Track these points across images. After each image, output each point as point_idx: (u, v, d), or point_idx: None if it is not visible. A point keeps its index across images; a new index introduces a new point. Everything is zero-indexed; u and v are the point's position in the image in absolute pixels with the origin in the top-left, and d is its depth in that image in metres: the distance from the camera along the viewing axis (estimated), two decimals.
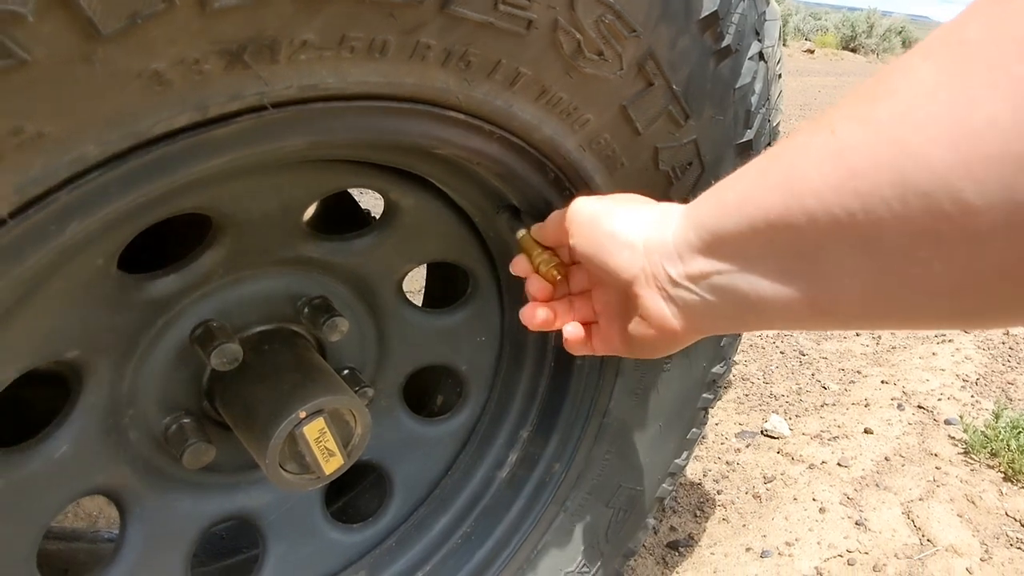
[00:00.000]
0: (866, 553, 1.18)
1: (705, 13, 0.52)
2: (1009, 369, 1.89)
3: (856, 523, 1.26)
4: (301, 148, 0.44)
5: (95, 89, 0.30)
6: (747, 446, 1.57)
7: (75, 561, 0.65)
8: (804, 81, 10.03)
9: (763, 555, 1.18)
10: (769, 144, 0.72)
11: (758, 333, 2.24)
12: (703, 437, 1.62)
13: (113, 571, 0.60)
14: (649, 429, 0.84)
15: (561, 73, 0.49)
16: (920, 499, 1.33)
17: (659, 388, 0.81)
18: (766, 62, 0.66)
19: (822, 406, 1.75)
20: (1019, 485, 1.36)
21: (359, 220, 0.80)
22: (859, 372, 1.93)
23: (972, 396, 1.73)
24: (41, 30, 0.27)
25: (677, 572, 1.16)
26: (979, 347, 2.04)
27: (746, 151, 0.66)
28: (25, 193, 0.31)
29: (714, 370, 0.85)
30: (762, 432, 1.62)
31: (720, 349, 0.84)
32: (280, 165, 0.54)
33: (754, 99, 0.64)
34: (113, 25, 0.29)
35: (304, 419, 0.57)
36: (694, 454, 1.53)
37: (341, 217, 0.83)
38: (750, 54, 0.62)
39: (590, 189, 0.59)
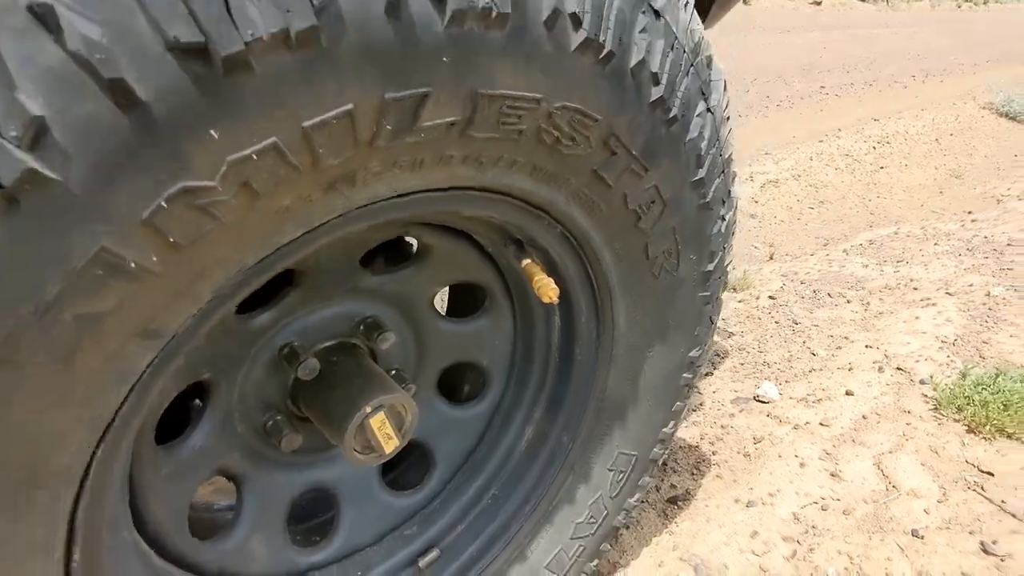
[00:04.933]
0: (838, 500, 1.37)
1: (654, 98, 0.70)
2: (986, 329, 2.04)
3: (831, 475, 1.45)
4: (365, 229, 0.63)
5: (252, 225, 0.49)
6: (740, 411, 1.76)
7: (201, 527, 0.85)
8: (808, 38, 9.90)
9: (748, 505, 1.37)
10: (722, 173, 0.89)
11: (755, 305, 2.41)
12: (700, 404, 1.81)
13: (235, 532, 0.80)
14: (640, 405, 1.02)
15: (546, 156, 0.66)
16: (890, 452, 1.51)
17: (646, 371, 1.00)
18: (713, 113, 0.83)
19: (810, 371, 1.92)
20: (981, 436, 1.54)
21: (401, 252, 0.98)
22: (847, 338, 2.10)
23: (948, 356, 1.90)
24: (230, 203, 0.46)
25: (675, 523, 1.36)
26: (961, 309, 2.19)
27: (700, 186, 0.83)
28: (217, 288, 0.50)
29: (691, 354, 1.03)
30: (755, 398, 1.81)
31: (695, 337, 1.02)
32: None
33: (703, 144, 0.81)
34: (267, 189, 0.47)
35: (369, 413, 0.76)
36: (693, 420, 1.73)
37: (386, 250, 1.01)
38: (697, 112, 0.79)
39: (576, 227, 0.78)
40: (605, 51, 0.61)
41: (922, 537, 1.26)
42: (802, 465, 1.48)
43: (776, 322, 2.26)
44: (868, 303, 2.33)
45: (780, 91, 5.95)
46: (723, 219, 0.93)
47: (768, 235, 3.23)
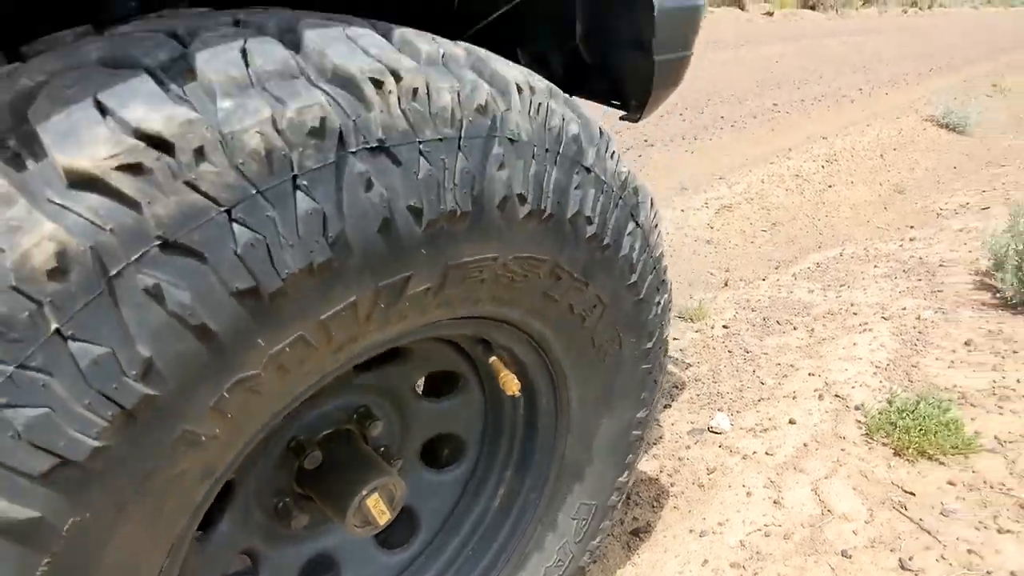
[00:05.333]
0: (779, 526, 1.55)
1: (589, 235, 0.86)
2: (915, 353, 2.25)
3: (774, 502, 1.63)
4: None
5: (282, 390, 0.64)
6: (696, 442, 1.93)
7: None
8: (760, 53, 10.26)
9: (701, 534, 1.54)
10: (654, 270, 1.06)
11: (711, 335, 2.59)
12: (660, 437, 1.98)
13: None
14: (595, 462, 1.18)
15: (505, 289, 0.82)
16: (826, 477, 1.69)
17: (599, 434, 1.16)
18: (642, 227, 1.00)
19: (759, 401, 2.11)
20: (905, 458, 1.73)
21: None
22: (792, 366, 2.29)
23: (880, 381, 2.10)
24: (269, 381, 0.61)
25: (637, 554, 1.53)
26: (894, 334, 2.40)
27: (634, 287, 1.00)
28: (254, 435, 0.65)
29: (638, 415, 1.20)
30: (709, 429, 1.98)
31: (641, 400, 1.19)
32: None
33: (635, 255, 0.98)
34: (294, 365, 0.62)
35: (366, 495, 0.91)
36: (654, 453, 1.90)
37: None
38: (628, 232, 0.95)
39: (532, 331, 0.94)
40: (547, 214, 0.77)
41: (850, 557, 1.44)
42: (749, 494, 1.66)
43: (729, 351, 2.45)
44: (813, 329, 2.53)
45: (734, 111, 6.22)
46: (658, 304, 1.09)
47: (723, 260, 3.43)
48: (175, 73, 0.53)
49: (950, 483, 1.64)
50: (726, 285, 3.11)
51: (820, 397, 2.05)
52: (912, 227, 4.16)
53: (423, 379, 1.23)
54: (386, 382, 1.01)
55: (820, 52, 11.08)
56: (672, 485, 1.75)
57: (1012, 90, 9.15)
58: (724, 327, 2.63)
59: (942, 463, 1.71)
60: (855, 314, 2.60)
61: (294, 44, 0.60)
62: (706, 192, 4.09)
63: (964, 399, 1.96)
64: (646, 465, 1.83)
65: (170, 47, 0.56)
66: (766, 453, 1.82)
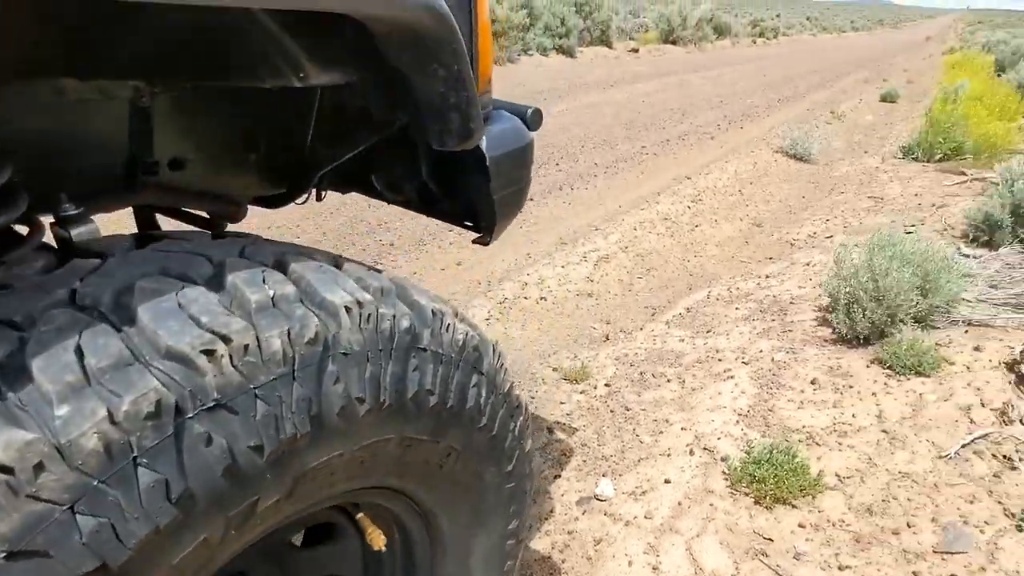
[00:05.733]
0: None
1: (434, 403, 0.95)
2: (771, 396, 2.50)
3: (653, 568, 1.77)
4: None
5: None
6: (583, 512, 2.05)
7: None
8: (629, 92, 10.95)
9: None
10: (504, 405, 1.16)
11: (594, 395, 2.75)
12: (551, 511, 2.08)
13: None
14: (475, 574, 1.26)
15: (358, 469, 0.89)
16: (697, 536, 1.86)
17: (474, 551, 1.24)
18: (485, 375, 1.10)
19: (639, 461, 2.27)
20: (763, 506, 1.93)
21: None
22: (667, 420, 2.48)
23: (742, 429, 2.32)
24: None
25: None
26: (752, 378, 2.66)
27: (486, 428, 1.10)
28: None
29: (511, 526, 1.29)
30: (595, 496, 2.11)
31: (511, 513, 1.28)
32: None
33: (481, 400, 1.08)
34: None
35: None
36: (545, 528, 1.99)
37: None
38: (473, 384, 1.05)
39: (394, 485, 1.01)
40: (386, 404, 0.86)
41: None
42: (630, 563, 1.78)
43: (611, 411, 2.61)
44: (684, 380, 2.75)
45: (607, 156, 6.61)
46: (513, 431, 1.20)
47: (604, 312, 3.64)
48: (12, 379, 0.58)
49: (801, 525, 1.84)
50: (607, 339, 3.31)
51: (691, 452, 2.23)
52: (771, 258, 4.59)
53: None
54: (265, 542, 1.04)
55: (683, 88, 11.95)
56: (563, 561, 1.86)
57: (846, 116, 10.26)
58: (606, 385, 2.80)
59: (794, 506, 1.91)
60: (720, 360, 2.85)
61: (129, 321, 0.66)
62: (583, 245, 4.32)
63: (811, 439, 2.21)
64: (539, 543, 1.93)
65: (8, 341, 0.61)
66: (645, 517, 1.96)
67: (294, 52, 1.03)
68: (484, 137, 1.34)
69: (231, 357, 0.68)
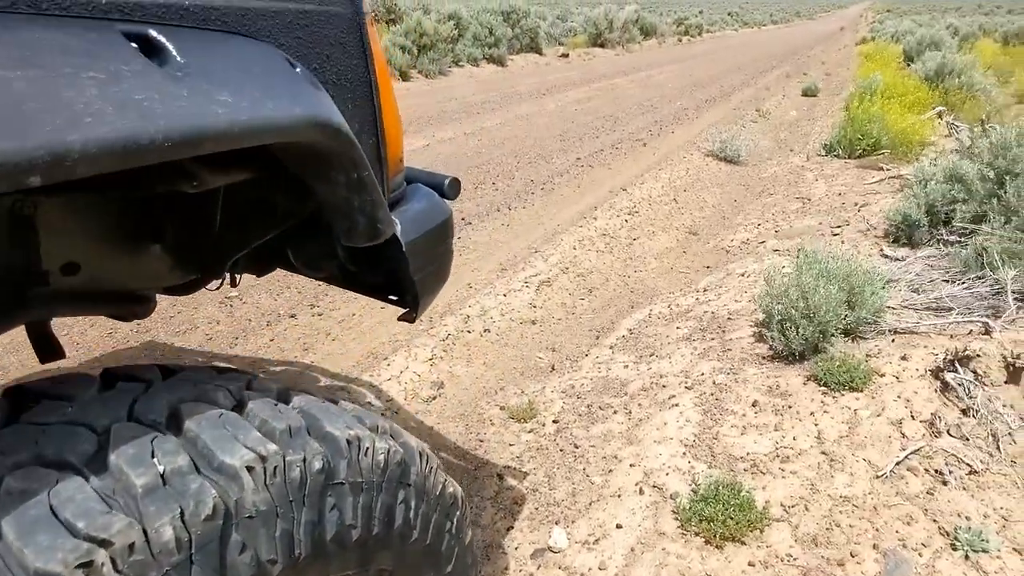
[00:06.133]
0: None
1: (356, 537, 0.90)
2: (715, 423, 2.53)
3: None
4: None
5: None
6: (539, 567, 2.02)
7: None
8: (561, 100, 11.05)
9: None
10: (436, 508, 1.12)
11: (543, 434, 2.73)
12: (505, 568, 2.04)
13: None
14: None
15: None
16: None
17: None
18: (414, 486, 1.06)
19: (590, 505, 2.25)
20: (714, 545, 1.94)
21: None
22: (616, 457, 2.48)
23: (689, 462, 2.33)
24: None
25: None
26: (696, 404, 2.68)
27: (418, 540, 1.05)
28: None
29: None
30: (549, 548, 2.09)
31: None
32: None
33: (411, 515, 1.04)
34: None
35: None
36: None
37: None
38: (400, 500, 1.01)
39: None
40: (302, 556, 0.80)
41: None
42: None
43: (561, 450, 2.60)
44: (630, 411, 2.76)
45: (542, 172, 6.63)
46: (449, 532, 1.16)
47: (549, 339, 3.63)
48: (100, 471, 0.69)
49: (750, 563, 1.86)
50: (553, 369, 3.30)
51: (641, 491, 2.23)
52: (708, 267, 4.68)
53: None
54: None
55: (614, 93, 12.12)
56: None
57: (771, 113, 10.60)
58: (554, 422, 2.78)
59: (744, 543, 1.93)
60: (664, 387, 2.87)
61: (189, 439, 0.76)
62: (525, 270, 4.31)
63: (755, 467, 2.24)
64: None
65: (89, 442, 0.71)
66: (599, 568, 1.94)
67: (187, 164, 0.97)
68: (399, 220, 1.30)
69: (114, 563, 0.62)
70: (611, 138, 8.29)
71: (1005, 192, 3.35)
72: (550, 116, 9.60)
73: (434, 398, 3.01)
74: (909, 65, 13.44)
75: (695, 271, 4.65)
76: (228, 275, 1.55)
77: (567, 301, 4.07)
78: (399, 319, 1.52)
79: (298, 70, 0.95)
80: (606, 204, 5.72)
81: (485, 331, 3.62)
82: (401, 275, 1.37)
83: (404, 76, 12.50)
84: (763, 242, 4.85)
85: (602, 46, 21.51)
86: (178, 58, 0.74)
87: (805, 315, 2.70)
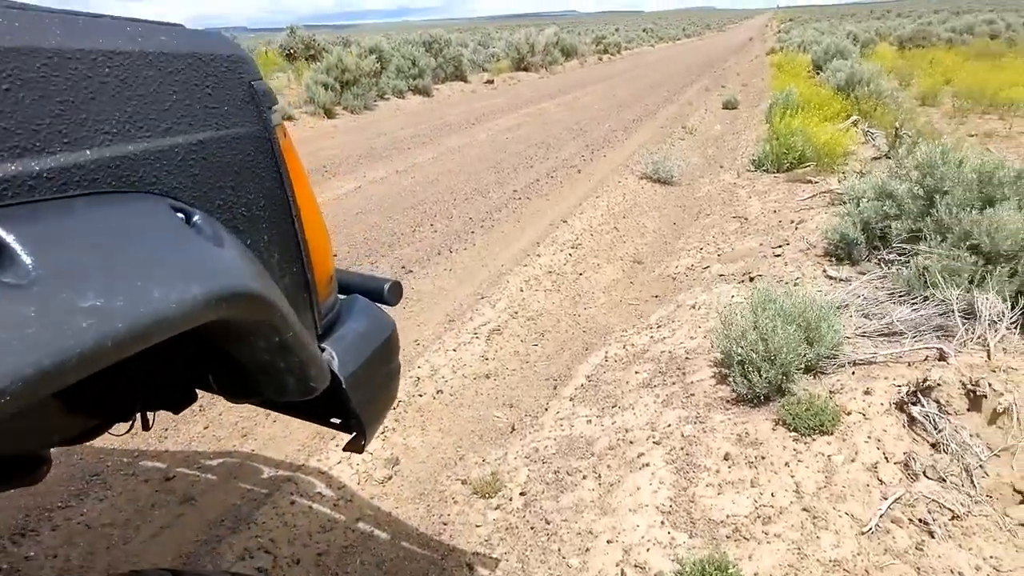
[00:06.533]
0: None
1: None
2: (690, 483, 2.42)
3: None
4: None
5: None
6: None
7: None
8: (491, 129, 11.00)
9: None
10: None
11: (511, 510, 2.56)
12: None
13: None
14: None
15: None
16: None
17: None
18: None
19: None
20: None
21: None
22: (591, 532, 2.32)
23: (668, 533, 2.20)
24: None
25: None
26: (667, 461, 2.57)
27: None
28: None
29: None
30: None
31: None
32: None
33: None
34: None
35: None
36: None
37: None
38: None
39: None
40: None
41: None
42: None
43: (532, 528, 2.43)
44: (600, 474, 2.62)
45: (480, 207, 6.50)
46: None
47: (505, 394, 3.47)
48: None
49: None
50: (513, 430, 3.14)
51: (622, 573, 2.09)
52: (656, 296, 4.63)
53: None
54: None
55: (542, 119, 12.18)
56: None
57: (697, 129, 10.85)
58: (521, 494, 2.62)
59: None
60: (631, 443, 2.75)
61: None
62: (472, 319, 4.15)
63: (738, 532, 2.13)
64: None
65: None
66: None
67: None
68: (335, 352, 1.12)
69: None
70: (545, 166, 8.26)
71: (936, 210, 3.41)
72: (482, 147, 9.52)
73: (390, 478, 2.80)
74: (818, 73, 14.07)
75: (644, 302, 4.59)
76: (139, 416, 1.33)
77: (520, 349, 3.92)
78: (345, 449, 1.33)
79: (197, 218, 0.78)
80: (548, 238, 5.63)
81: (438, 392, 3.43)
82: (343, 406, 1.19)
83: (329, 114, 12.24)
84: (707, 267, 4.84)
85: (526, 70, 21.75)
86: (23, 258, 0.55)
87: (766, 358, 2.64)
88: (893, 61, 16.57)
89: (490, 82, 18.82)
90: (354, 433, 1.31)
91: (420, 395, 3.38)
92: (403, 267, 4.99)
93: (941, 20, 32.49)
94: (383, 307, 1.37)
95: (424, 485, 2.75)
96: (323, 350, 1.12)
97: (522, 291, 4.59)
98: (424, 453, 2.98)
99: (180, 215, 0.77)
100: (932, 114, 10.32)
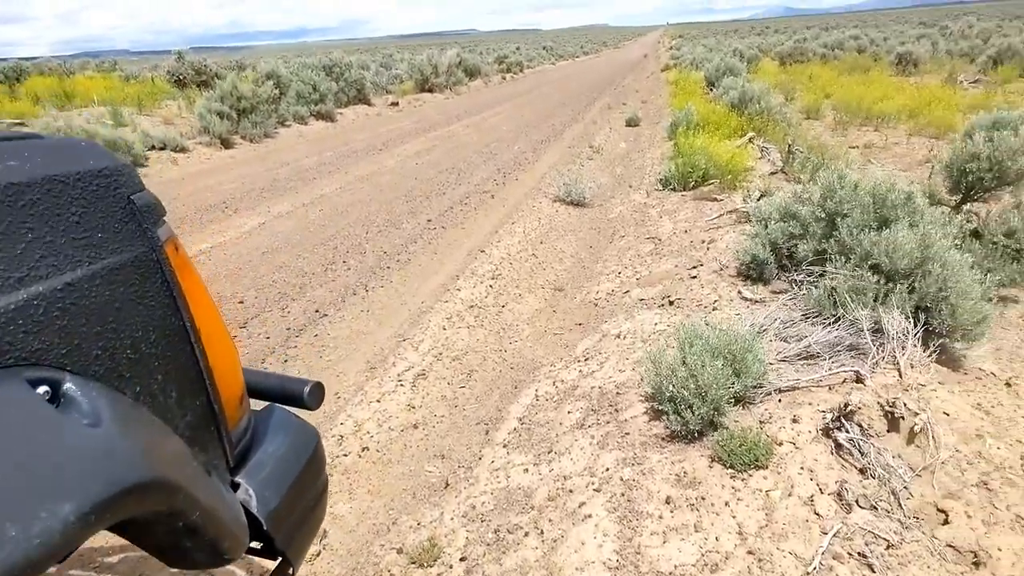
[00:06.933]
0: None
1: None
2: (635, 533, 2.36)
3: None
4: None
5: None
6: None
7: None
8: (399, 154, 10.80)
9: None
10: None
11: None
12: None
13: None
14: None
15: None
16: None
17: None
18: None
19: None
20: None
21: None
22: None
23: None
24: None
25: None
26: (609, 511, 2.50)
27: None
28: None
29: None
30: None
31: None
32: None
33: None
34: None
35: None
36: None
37: None
38: None
39: None
40: None
41: None
42: None
43: None
44: (542, 530, 2.52)
45: (394, 240, 6.32)
46: None
47: (436, 444, 3.32)
48: None
49: None
50: (447, 486, 2.99)
51: None
52: (580, 324, 4.61)
53: None
54: None
55: (451, 142, 12.11)
56: None
57: (603, 148, 11.10)
58: (462, 559, 2.48)
59: None
60: (571, 491, 2.67)
61: None
62: (395, 365, 3.97)
63: None
64: None
65: None
66: None
67: None
68: (251, 488, 0.97)
69: None
70: (458, 193, 8.17)
71: (839, 232, 3.57)
72: (392, 174, 9.32)
73: (318, 554, 2.59)
74: (712, 89, 14.79)
75: (569, 330, 4.56)
76: None
77: (447, 393, 3.79)
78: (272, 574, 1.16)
79: (67, 387, 0.62)
80: (467, 270, 5.53)
81: (364, 450, 3.23)
82: (265, 542, 1.03)
83: (226, 144, 11.67)
84: (628, 292, 4.89)
85: (430, 91, 21.66)
86: None
87: (697, 394, 2.64)
88: (777, 76, 17.69)
89: (395, 104, 18.61)
90: (279, 560, 1.15)
91: (345, 455, 3.18)
92: (317, 310, 4.75)
93: (814, 36, 35.15)
94: (304, 411, 1.22)
95: (356, 559, 2.57)
96: (237, 486, 0.96)
97: (445, 329, 4.45)
98: (353, 520, 2.78)
99: (43, 389, 0.61)
100: (817, 127, 11.04)
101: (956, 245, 3.52)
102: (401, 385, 3.76)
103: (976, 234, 4.43)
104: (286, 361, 4.01)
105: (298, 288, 5.14)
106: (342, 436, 3.30)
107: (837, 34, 33.69)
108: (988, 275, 3.79)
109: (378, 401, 3.60)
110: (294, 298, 4.95)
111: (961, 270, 3.26)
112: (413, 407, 3.60)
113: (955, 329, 3.27)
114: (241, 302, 4.88)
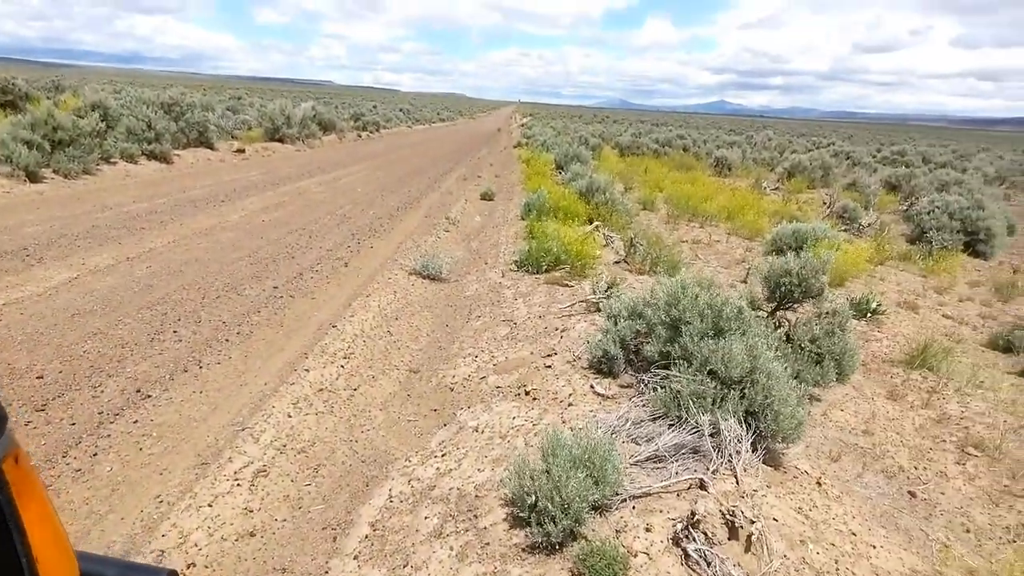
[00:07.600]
0: None
1: None
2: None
3: None
4: None
5: None
6: None
7: None
8: (246, 210, 10.18)
9: None
10: None
11: None
12: None
13: None
14: None
15: None
16: None
17: None
18: None
19: None
20: None
21: None
22: None
23: None
24: None
25: None
26: None
27: None
28: None
29: None
30: None
31: None
32: None
33: None
34: None
35: None
36: None
37: None
38: None
39: None
40: None
41: None
42: None
43: None
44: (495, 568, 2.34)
45: (235, 307, 5.85)
46: None
47: (276, 557, 3.00)
48: None
49: None
50: None
51: None
52: (435, 410, 4.50)
53: None
54: None
55: (303, 200, 11.67)
56: None
57: (459, 220, 11.29)
58: None
59: None
60: None
61: None
62: (232, 460, 3.59)
63: None
64: None
65: None
66: None
67: None
68: None
69: None
70: (309, 258, 7.82)
71: (682, 338, 3.87)
72: (235, 231, 8.72)
73: None
74: (560, 172, 15.76)
75: (424, 416, 4.44)
76: None
77: (291, 492, 3.47)
78: None
79: None
80: (317, 348, 5.23)
81: (189, 567, 2.84)
82: None
83: (33, 177, 10.28)
84: (484, 377, 4.89)
85: (281, 141, 20.91)
86: None
87: (560, 507, 2.65)
88: (617, 165, 19.32)
89: (241, 151, 17.68)
90: None
91: None
92: (138, 390, 4.20)
93: (647, 131, 39.11)
94: None
95: None
96: None
97: (291, 416, 4.13)
98: None
99: None
100: (652, 219, 12.12)
101: (776, 351, 3.95)
102: (238, 485, 3.39)
103: (788, 338, 5.01)
104: (95, 455, 3.47)
105: (116, 361, 4.53)
106: (163, 552, 2.87)
107: (666, 131, 37.79)
108: (800, 381, 4.28)
109: (210, 505, 3.20)
110: (110, 374, 4.35)
111: (781, 379, 3.64)
112: (251, 511, 3.24)
113: (777, 433, 3.61)
114: (40, 377, 4.19)
